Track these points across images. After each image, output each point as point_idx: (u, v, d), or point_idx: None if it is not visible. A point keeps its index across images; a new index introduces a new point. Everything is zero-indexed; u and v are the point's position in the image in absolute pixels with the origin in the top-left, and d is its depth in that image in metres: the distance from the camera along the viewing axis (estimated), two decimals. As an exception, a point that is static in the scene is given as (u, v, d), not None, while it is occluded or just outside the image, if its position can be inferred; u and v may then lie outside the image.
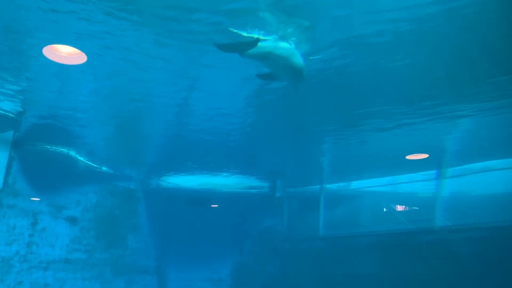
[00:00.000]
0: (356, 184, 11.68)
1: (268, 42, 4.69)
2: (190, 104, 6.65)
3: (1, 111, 7.18)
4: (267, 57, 4.84)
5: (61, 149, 9.33)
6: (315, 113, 7.02)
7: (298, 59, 4.95)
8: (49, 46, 5.04)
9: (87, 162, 10.22)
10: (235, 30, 4.55)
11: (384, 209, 11.98)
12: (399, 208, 11.85)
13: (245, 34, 4.60)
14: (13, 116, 7.37)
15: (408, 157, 9.09)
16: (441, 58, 5.13)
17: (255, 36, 4.57)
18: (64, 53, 5.20)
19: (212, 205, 13.03)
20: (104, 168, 10.74)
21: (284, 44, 4.79)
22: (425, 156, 9.00)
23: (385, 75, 5.53)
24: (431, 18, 4.36)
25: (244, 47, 4.61)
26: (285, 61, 4.91)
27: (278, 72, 5.22)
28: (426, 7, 4.19)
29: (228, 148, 8.86)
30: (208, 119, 7.24)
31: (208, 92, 6.21)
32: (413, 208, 11.72)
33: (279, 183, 12.43)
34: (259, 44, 4.62)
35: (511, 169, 9.03)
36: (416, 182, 10.65)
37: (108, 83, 5.97)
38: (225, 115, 7.08)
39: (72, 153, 9.57)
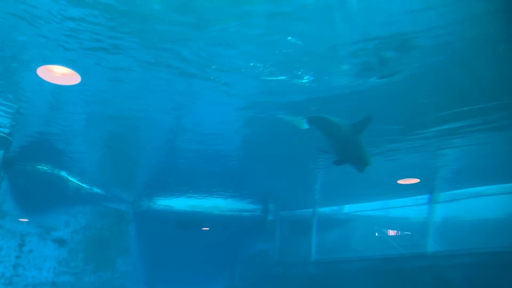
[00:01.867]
0: (348, 208, 11.66)
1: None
2: (183, 128, 6.66)
3: (-8, 131, 7.15)
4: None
5: (51, 169, 9.25)
6: (307, 138, 7.06)
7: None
8: (43, 67, 5.05)
9: (78, 183, 10.12)
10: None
11: (376, 234, 11.94)
12: (391, 232, 11.83)
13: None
14: (4, 135, 7.31)
15: (400, 181, 9.12)
16: (428, 87, 5.23)
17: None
18: (58, 74, 5.21)
19: (204, 228, 12.90)
20: (95, 189, 10.64)
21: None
22: (416, 181, 9.04)
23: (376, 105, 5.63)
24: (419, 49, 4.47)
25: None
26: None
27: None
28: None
29: (220, 171, 8.84)
30: (200, 142, 7.24)
31: (201, 117, 6.24)
32: (405, 233, 11.70)
33: (272, 206, 12.37)
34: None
35: (502, 195, 9.08)
36: (408, 207, 10.66)
37: (100, 104, 5.97)
38: (217, 139, 7.09)
39: (63, 173, 9.49)
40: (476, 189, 9.55)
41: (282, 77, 5.14)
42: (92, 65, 4.91)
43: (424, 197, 10.14)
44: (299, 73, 5.03)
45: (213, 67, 4.89)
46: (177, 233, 12.27)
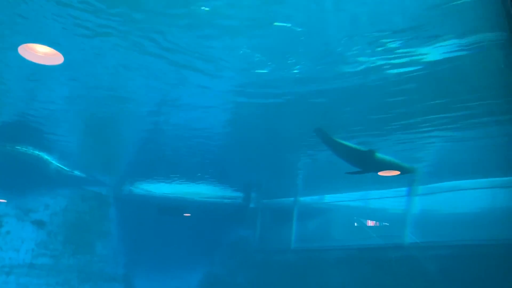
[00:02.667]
0: (329, 198, 11.79)
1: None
2: (167, 113, 6.62)
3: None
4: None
5: (32, 151, 9.11)
6: (292, 129, 7.11)
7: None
8: (25, 45, 4.94)
9: (59, 165, 9.99)
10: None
11: (355, 224, 12.11)
12: (370, 223, 12.01)
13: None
14: (-17, 114, 7.17)
15: (381, 173, 9.25)
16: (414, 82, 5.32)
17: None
18: (41, 53, 5.11)
19: (185, 214, 12.90)
20: (76, 172, 10.52)
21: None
22: (396, 173, 9.17)
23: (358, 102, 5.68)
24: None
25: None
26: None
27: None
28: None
29: (203, 157, 8.82)
30: (184, 128, 7.22)
31: (186, 103, 6.21)
32: (384, 223, 11.90)
33: (254, 194, 12.42)
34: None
35: (478, 190, 9.30)
36: (387, 198, 10.83)
37: (83, 86, 5.89)
38: (202, 125, 7.07)
39: (43, 155, 9.35)
40: (453, 183, 9.75)
41: (269, 66, 5.14)
42: (76, 46, 4.84)
43: (403, 190, 10.32)
44: (289, 62, 5.05)
45: (198, 53, 4.86)
46: (158, 218, 12.25)
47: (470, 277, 8.00)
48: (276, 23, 4.34)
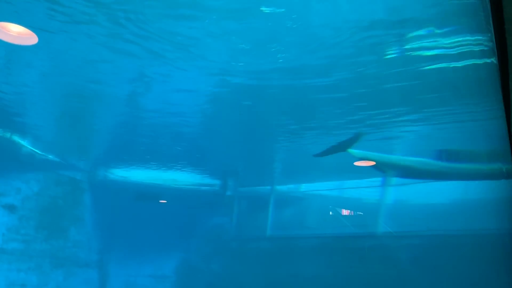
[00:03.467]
0: (305, 187, 11.91)
1: None
2: (143, 97, 6.54)
3: None
4: None
5: (2, 133, 8.87)
6: (268, 116, 7.14)
7: None
8: (-3, 23, 4.79)
9: (31, 148, 9.77)
10: None
11: (330, 213, 12.29)
12: (345, 212, 12.21)
13: None
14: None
15: (357, 163, 9.39)
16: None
17: None
18: (14, 33, 4.96)
19: (161, 201, 12.83)
20: (50, 156, 10.31)
21: None
22: (372, 163, 9.33)
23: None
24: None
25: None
26: None
27: None
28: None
29: (180, 143, 8.78)
30: (160, 113, 7.15)
31: (163, 87, 6.14)
32: (358, 213, 12.11)
33: (231, 182, 12.44)
34: None
35: (449, 182, 9.55)
36: (362, 188, 11.02)
37: (57, 68, 5.75)
38: (179, 110, 7.02)
39: (15, 138, 9.12)
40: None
41: (251, 53, 5.13)
42: (52, 27, 4.72)
43: (377, 180, 10.51)
44: (273, 50, 5.03)
45: (178, 38, 4.80)
46: (133, 204, 12.16)
47: (440, 266, 8.26)
48: (263, 8, 4.30)
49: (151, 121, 7.55)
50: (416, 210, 9.96)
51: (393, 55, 5.00)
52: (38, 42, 5.06)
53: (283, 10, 4.25)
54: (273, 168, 10.67)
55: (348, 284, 9.22)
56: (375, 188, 10.73)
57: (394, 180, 10.26)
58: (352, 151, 7.34)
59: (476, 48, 4.57)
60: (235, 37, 4.83)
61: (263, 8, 4.26)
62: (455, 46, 4.72)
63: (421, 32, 4.56)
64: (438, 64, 5.13)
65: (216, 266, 12.19)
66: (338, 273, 9.47)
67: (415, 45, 4.81)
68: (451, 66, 5.13)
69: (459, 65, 5.07)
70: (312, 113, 6.93)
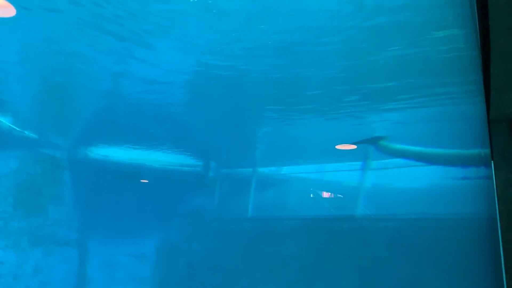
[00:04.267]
0: (287, 170, 12.00)
1: None
2: (127, 73, 6.45)
3: None
4: None
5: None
6: (252, 98, 7.12)
7: None
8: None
9: (9, 124, 9.58)
10: None
11: (311, 195, 12.44)
12: (325, 195, 12.36)
13: None
14: None
15: (338, 146, 9.50)
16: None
17: None
18: (-11, 4, 4.81)
19: (142, 180, 12.78)
20: (28, 133, 10.14)
21: None
22: (353, 147, 9.45)
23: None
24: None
25: None
26: None
27: None
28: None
29: (163, 123, 8.72)
30: (144, 91, 7.07)
31: (147, 63, 6.06)
32: (338, 196, 12.28)
33: (213, 163, 12.45)
34: None
35: (427, 166, 9.72)
36: (342, 171, 11.16)
37: (36, 42, 5.62)
38: (161, 89, 6.95)
39: (-7, 114, 8.95)
40: (405, 159, 10.12)
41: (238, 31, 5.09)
42: (30, 4, 4.59)
43: (357, 164, 10.64)
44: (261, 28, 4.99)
45: (159, 18, 4.73)
46: (114, 183, 12.08)
47: (415, 249, 8.48)
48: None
49: (132, 100, 7.47)
50: (395, 194, 10.14)
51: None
52: (16, 15, 4.92)
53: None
54: (255, 150, 10.71)
55: (327, 263, 9.42)
56: (355, 172, 10.87)
57: (374, 164, 10.41)
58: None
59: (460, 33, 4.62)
60: (219, 16, 4.78)
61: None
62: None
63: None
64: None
65: (197, 246, 12.27)
66: (318, 253, 9.65)
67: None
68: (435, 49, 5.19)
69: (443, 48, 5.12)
70: (297, 95, 6.94)
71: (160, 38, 5.24)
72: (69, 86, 7.17)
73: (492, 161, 5.36)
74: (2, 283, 9.78)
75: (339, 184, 11.82)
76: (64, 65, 6.18)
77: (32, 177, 10.57)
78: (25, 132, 10.06)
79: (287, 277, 10.03)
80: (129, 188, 12.34)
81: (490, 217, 7.01)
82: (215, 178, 12.73)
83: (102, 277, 12.08)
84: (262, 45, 5.30)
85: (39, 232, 10.63)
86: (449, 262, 8.09)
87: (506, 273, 5.07)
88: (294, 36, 5.06)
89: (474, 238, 7.67)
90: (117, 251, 12.30)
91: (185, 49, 5.49)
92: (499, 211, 5.15)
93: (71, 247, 11.50)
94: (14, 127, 9.72)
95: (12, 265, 9.98)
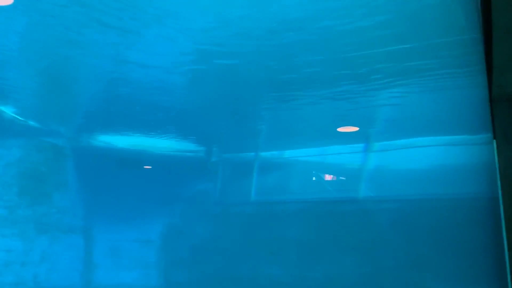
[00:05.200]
0: (289, 153, 12.02)
1: None
2: (128, 58, 6.44)
3: None
4: None
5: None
6: (253, 82, 7.11)
7: None
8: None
9: (12, 114, 9.60)
10: None
11: (313, 178, 12.48)
12: (327, 177, 12.41)
13: None
14: None
15: (340, 129, 9.50)
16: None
17: None
18: (-12, -9, 4.80)
19: (145, 166, 12.84)
20: (31, 122, 10.16)
21: None
22: (355, 129, 9.46)
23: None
24: None
25: None
26: None
27: None
28: None
29: (165, 109, 8.73)
30: (145, 76, 7.07)
31: (148, 49, 6.05)
32: (340, 178, 12.33)
33: (215, 148, 12.48)
34: None
35: (429, 147, 9.74)
36: (344, 154, 11.17)
37: (35, 30, 5.61)
38: (163, 73, 6.94)
39: (-5, 103, 8.96)
40: (408, 140, 10.13)
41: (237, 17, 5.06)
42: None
43: (359, 146, 10.65)
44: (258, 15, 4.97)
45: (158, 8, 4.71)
46: (117, 170, 12.14)
47: (418, 229, 8.55)
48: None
49: (134, 88, 7.47)
50: (397, 175, 10.17)
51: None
52: (14, 2, 4.91)
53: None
54: (257, 134, 10.72)
55: (330, 245, 9.51)
56: (357, 154, 10.89)
57: (375, 146, 10.43)
58: None
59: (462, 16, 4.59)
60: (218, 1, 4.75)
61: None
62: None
63: None
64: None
65: (200, 230, 12.38)
66: (320, 235, 9.74)
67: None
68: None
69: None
70: (297, 78, 6.93)
71: (160, 25, 5.23)
72: (71, 74, 7.17)
73: (494, 140, 5.37)
74: (10, 270, 9.92)
75: (341, 166, 11.86)
76: (63, 55, 6.16)
77: (36, 165, 10.63)
78: (28, 121, 10.09)
79: (289, 259, 10.14)
80: (133, 175, 12.40)
81: (492, 196, 7.05)
82: (217, 163, 12.77)
83: (108, 262, 12.23)
84: (261, 28, 5.27)
85: (45, 220, 10.74)
86: (452, 242, 8.16)
87: (508, 250, 5.14)
88: (293, 22, 5.04)
89: (477, 217, 7.72)
90: (122, 237, 12.41)
91: (185, 35, 5.48)
92: (501, 190, 5.19)
93: (76, 234, 11.62)
94: (17, 116, 9.74)
95: (19, 253, 10.11)
